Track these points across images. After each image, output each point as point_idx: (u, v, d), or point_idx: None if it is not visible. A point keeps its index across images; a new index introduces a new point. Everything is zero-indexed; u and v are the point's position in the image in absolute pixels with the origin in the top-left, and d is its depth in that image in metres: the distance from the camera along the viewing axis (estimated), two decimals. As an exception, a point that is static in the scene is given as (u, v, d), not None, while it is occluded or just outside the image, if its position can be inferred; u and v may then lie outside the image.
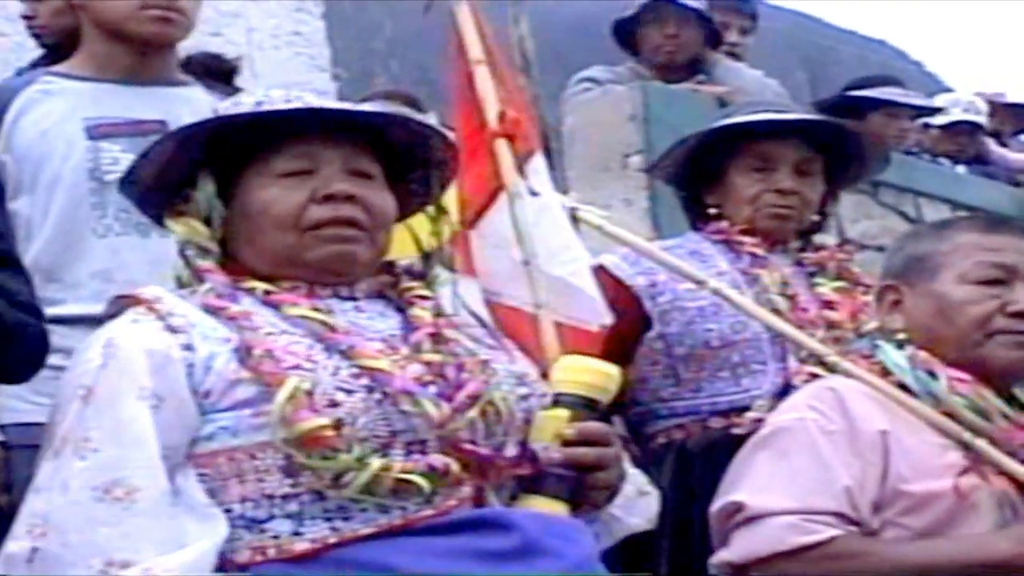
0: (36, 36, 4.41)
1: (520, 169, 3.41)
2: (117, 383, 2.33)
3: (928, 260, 3.04)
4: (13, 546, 2.26)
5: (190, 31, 3.60)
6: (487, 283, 3.38)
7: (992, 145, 8.33)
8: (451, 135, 2.76)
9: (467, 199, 3.35)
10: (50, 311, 3.08)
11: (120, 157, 3.36)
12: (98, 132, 3.43)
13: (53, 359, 3.02)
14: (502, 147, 3.41)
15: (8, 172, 3.40)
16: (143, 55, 3.54)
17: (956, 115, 7.99)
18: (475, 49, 3.53)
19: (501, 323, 3.24)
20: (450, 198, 2.85)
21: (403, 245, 2.71)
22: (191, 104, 3.34)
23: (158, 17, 3.47)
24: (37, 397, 3.13)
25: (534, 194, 3.41)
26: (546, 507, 2.41)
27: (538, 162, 3.51)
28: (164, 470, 2.27)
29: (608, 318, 3.42)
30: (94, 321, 2.86)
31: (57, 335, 3.01)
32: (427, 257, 2.66)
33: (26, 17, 4.54)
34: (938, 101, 8.15)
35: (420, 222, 2.72)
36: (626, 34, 6.36)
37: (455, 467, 2.35)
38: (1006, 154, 8.34)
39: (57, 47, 3.71)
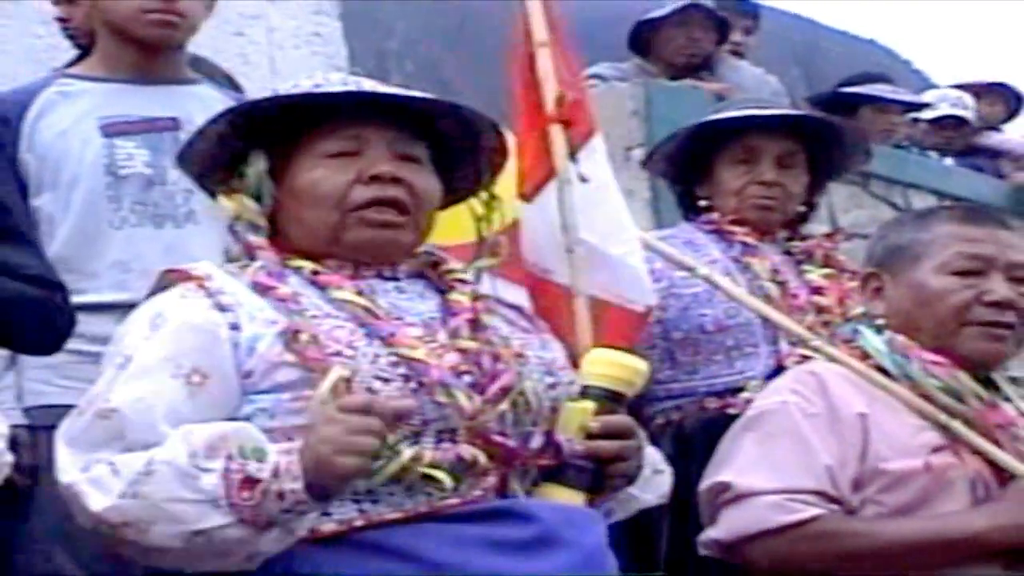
0: (71, 38, 4.39)
1: (573, 155, 3.39)
2: (156, 356, 2.31)
3: (909, 249, 3.01)
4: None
5: (193, 32, 3.58)
6: (538, 259, 3.38)
7: (994, 136, 8.32)
8: (500, 123, 2.71)
9: (526, 172, 3.34)
10: (73, 300, 3.09)
11: (134, 153, 3.38)
12: (113, 130, 3.41)
13: (76, 344, 3.08)
14: (556, 133, 3.39)
15: (30, 171, 3.40)
16: (150, 55, 3.52)
17: (944, 110, 7.99)
18: (540, 31, 3.50)
19: (548, 299, 3.25)
20: (504, 185, 2.81)
21: (451, 229, 2.69)
22: (202, 101, 3.33)
23: (158, 20, 3.45)
24: (61, 380, 3.17)
25: (584, 180, 3.40)
26: (565, 497, 2.40)
27: (596, 143, 3.50)
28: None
29: (654, 299, 3.45)
30: (112, 308, 2.86)
31: (78, 322, 3.04)
32: (481, 242, 2.63)
33: (60, 20, 4.54)
34: (926, 97, 8.17)
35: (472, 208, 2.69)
36: (639, 34, 6.34)
37: (482, 458, 2.34)
38: (1006, 139, 8.33)
39: (91, 48, 3.70)
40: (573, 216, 3.32)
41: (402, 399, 2.24)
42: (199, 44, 3.76)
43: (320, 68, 6.52)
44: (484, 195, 2.66)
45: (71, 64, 3.91)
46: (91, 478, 2.22)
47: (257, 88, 2.96)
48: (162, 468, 2.18)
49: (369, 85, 2.55)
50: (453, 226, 2.70)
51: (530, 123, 3.42)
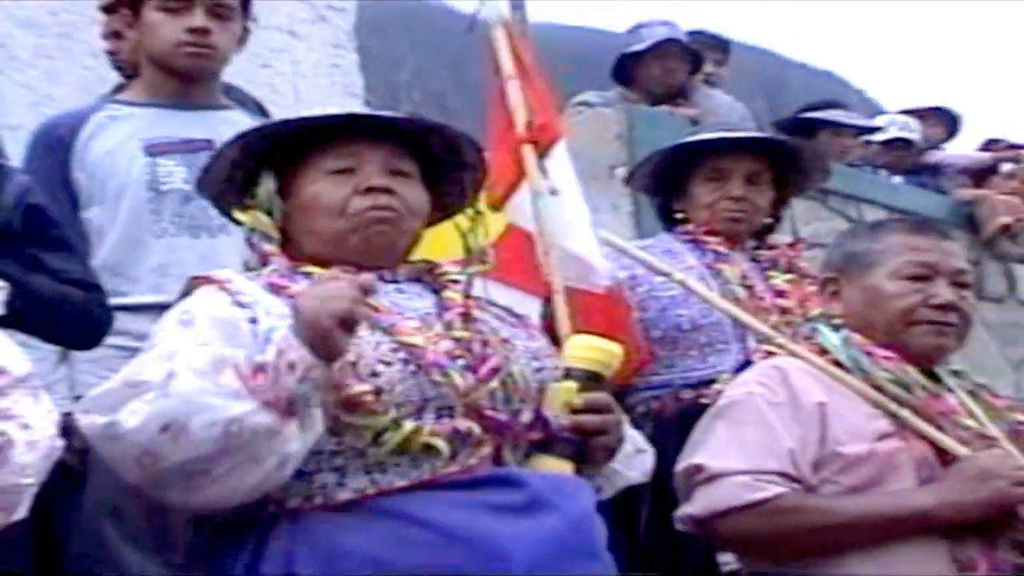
0: (118, 68, 4.38)
1: (541, 157, 3.46)
2: (185, 343, 2.28)
3: (864, 257, 3.01)
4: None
5: (224, 63, 3.60)
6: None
7: (936, 153, 8.32)
8: (479, 140, 2.75)
9: (494, 183, 3.32)
10: (117, 301, 3.19)
11: (174, 171, 3.42)
12: (155, 150, 3.44)
13: (119, 340, 3.11)
14: (528, 152, 3.44)
15: (81, 186, 3.44)
16: (187, 84, 3.54)
17: (893, 133, 7.99)
18: (507, 66, 3.56)
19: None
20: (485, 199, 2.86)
21: (446, 244, 2.70)
22: (234, 125, 3.31)
23: (193, 53, 3.47)
24: (106, 372, 3.10)
25: (554, 193, 3.45)
26: (554, 466, 2.40)
27: (559, 150, 3.54)
28: None
29: (610, 280, 3.48)
30: (152, 308, 2.86)
31: (121, 320, 3.11)
32: (469, 253, 2.63)
33: (109, 53, 4.53)
34: (877, 121, 8.16)
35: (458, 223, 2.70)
36: (623, 65, 6.32)
37: (477, 430, 2.34)
38: (947, 156, 8.33)
39: (135, 77, 3.72)
40: (546, 224, 3.37)
41: (366, 276, 2.25)
42: (232, 74, 3.77)
43: (339, 96, 6.53)
44: (470, 211, 2.67)
45: (117, 90, 3.92)
46: (118, 410, 2.17)
47: (283, 113, 2.97)
48: (183, 371, 2.16)
49: (358, 110, 2.62)
50: (447, 244, 2.71)
51: (499, 142, 3.45)
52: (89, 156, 3.45)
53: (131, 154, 3.43)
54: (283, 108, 4.82)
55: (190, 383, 2.15)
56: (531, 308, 3.26)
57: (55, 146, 3.48)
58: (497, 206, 3.43)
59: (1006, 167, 8.06)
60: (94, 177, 3.43)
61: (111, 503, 3.03)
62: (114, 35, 4.41)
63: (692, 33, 6.86)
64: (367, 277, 2.25)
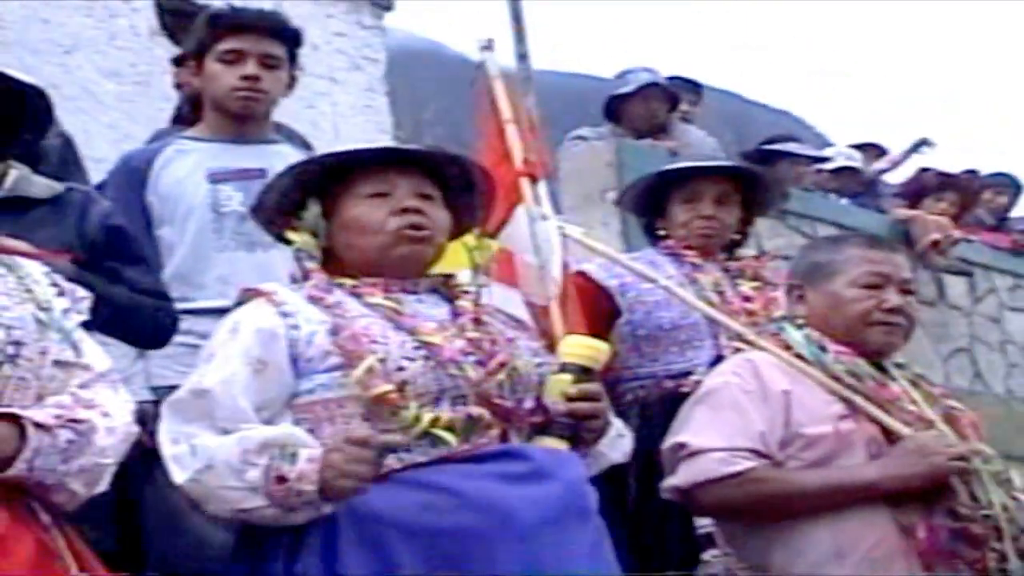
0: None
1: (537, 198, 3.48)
2: (235, 351, 2.35)
3: (827, 267, 2.99)
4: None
5: (274, 105, 3.61)
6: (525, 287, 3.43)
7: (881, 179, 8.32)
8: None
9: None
10: (186, 305, 3.23)
11: (232, 195, 3.43)
12: (216, 178, 3.45)
13: (188, 339, 3.15)
14: (525, 184, 3.47)
15: (154, 209, 3.47)
16: (241, 122, 3.55)
17: (840, 162, 7.99)
18: (507, 111, 3.57)
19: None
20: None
21: (455, 259, 2.70)
22: (284, 157, 3.31)
23: (245, 96, 3.49)
24: (177, 367, 3.17)
25: (544, 218, 3.46)
26: (553, 444, 2.43)
27: (541, 187, 3.54)
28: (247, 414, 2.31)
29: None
30: (215, 312, 2.86)
31: (189, 322, 3.15)
32: (476, 267, 2.65)
33: (178, 85, 4.53)
34: (827, 152, 8.17)
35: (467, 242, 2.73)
36: (612, 104, 6.30)
37: (487, 415, 2.37)
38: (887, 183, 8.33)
39: (197, 104, 3.71)
40: (540, 244, 3.41)
41: (392, 435, 2.26)
42: (280, 114, 3.78)
43: (372, 132, 6.54)
44: (476, 232, 2.71)
45: (177, 126, 3.93)
46: (175, 455, 2.28)
47: (325, 148, 2.97)
48: (220, 465, 2.23)
49: (390, 144, 2.68)
50: (451, 258, 2.72)
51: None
52: (161, 183, 3.47)
53: (196, 181, 3.44)
54: (324, 143, 4.81)
55: (220, 479, 2.24)
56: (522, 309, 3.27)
57: (133, 175, 3.50)
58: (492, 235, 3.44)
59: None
60: (165, 201, 3.45)
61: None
62: (177, 86, 4.43)
63: (671, 78, 6.87)
64: (394, 439, 2.26)
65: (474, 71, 3.73)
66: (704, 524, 3.18)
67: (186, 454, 2.26)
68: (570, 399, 2.45)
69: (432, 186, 2.57)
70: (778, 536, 2.76)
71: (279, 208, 2.59)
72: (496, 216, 3.37)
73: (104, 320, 2.42)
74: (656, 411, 3.50)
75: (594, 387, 2.50)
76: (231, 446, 2.24)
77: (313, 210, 2.53)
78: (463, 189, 2.66)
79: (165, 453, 2.29)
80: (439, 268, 2.63)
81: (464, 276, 2.64)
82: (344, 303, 2.42)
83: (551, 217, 3.53)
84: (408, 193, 2.51)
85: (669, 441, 2.87)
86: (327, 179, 2.55)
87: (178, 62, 4.46)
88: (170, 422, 2.32)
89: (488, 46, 3.69)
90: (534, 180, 3.51)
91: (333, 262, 2.52)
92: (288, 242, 2.57)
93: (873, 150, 8.70)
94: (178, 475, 2.26)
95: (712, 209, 3.75)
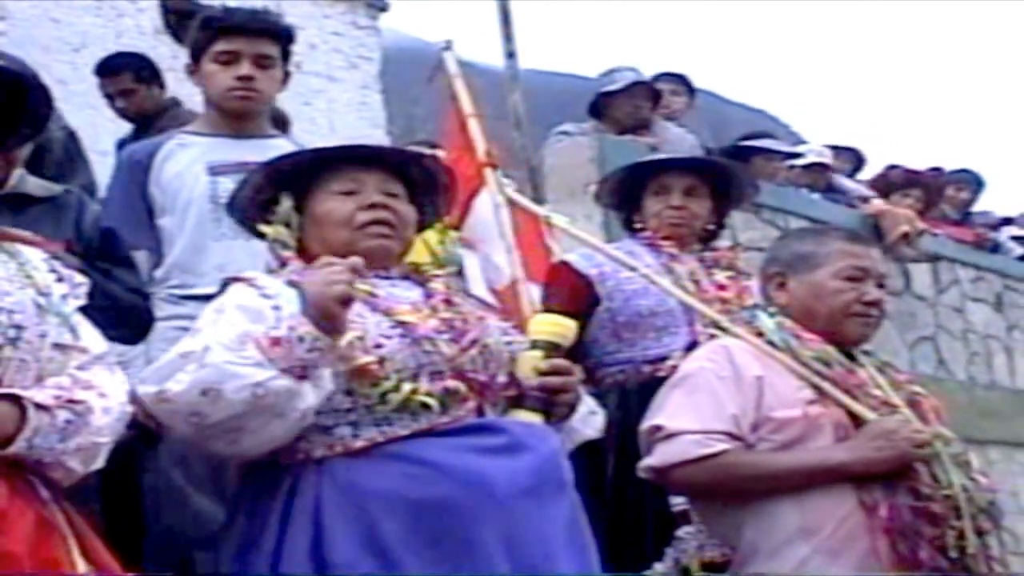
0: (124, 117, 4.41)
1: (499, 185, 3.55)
2: (220, 325, 2.32)
3: (811, 258, 2.97)
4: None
5: (269, 103, 3.63)
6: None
7: (841, 179, 8.28)
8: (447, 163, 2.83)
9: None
10: (185, 292, 3.29)
11: (231, 187, 3.36)
12: (216, 170, 3.45)
13: (187, 324, 3.04)
14: (490, 173, 3.54)
15: (156, 200, 3.48)
16: (238, 119, 3.55)
17: (811, 159, 7.93)
18: (468, 106, 3.64)
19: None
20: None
21: (416, 254, 2.75)
22: (280, 150, 3.28)
23: (240, 96, 3.49)
24: (176, 350, 3.12)
25: (511, 204, 3.58)
26: (527, 417, 2.45)
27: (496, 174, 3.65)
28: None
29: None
30: (214, 299, 2.82)
31: (189, 307, 3.17)
32: (436, 260, 2.74)
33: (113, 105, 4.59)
34: (800, 149, 8.14)
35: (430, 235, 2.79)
36: (599, 101, 6.27)
37: (463, 389, 2.39)
38: (848, 183, 8.30)
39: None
40: (505, 229, 3.46)
41: (355, 259, 2.29)
42: (279, 111, 3.75)
43: (366, 128, 6.52)
44: (439, 226, 2.77)
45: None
46: (167, 380, 2.21)
47: (320, 143, 2.99)
48: (215, 345, 2.22)
49: (358, 142, 2.65)
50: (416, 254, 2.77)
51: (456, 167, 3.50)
52: (163, 176, 3.48)
53: (196, 174, 3.45)
54: (321, 138, 4.81)
55: (221, 355, 2.20)
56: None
57: (136, 168, 3.52)
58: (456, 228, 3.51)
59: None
60: (167, 192, 3.46)
61: (180, 454, 3.01)
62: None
63: (663, 75, 6.81)
64: (357, 260, 2.28)
65: (432, 71, 3.76)
66: (679, 502, 3.17)
67: (179, 367, 2.21)
68: (542, 373, 2.47)
69: (397, 183, 2.58)
70: (748, 514, 2.75)
71: (253, 202, 2.61)
72: (458, 208, 3.40)
73: (98, 311, 2.41)
74: (634, 394, 3.48)
75: (564, 362, 2.51)
76: (219, 329, 2.25)
77: (286, 204, 2.54)
78: (427, 186, 2.67)
79: (157, 391, 2.21)
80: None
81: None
82: None
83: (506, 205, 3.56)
84: (375, 190, 2.53)
85: (646, 423, 2.86)
86: (299, 176, 2.56)
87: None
88: (150, 383, 2.24)
89: (447, 47, 3.72)
90: (495, 169, 3.54)
91: (305, 255, 2.51)
92: (262, 236, 2.58)
93: (850, 154, 8.65)
94: (179, 384, 2.19)
95: (681, 200, 3.73)
